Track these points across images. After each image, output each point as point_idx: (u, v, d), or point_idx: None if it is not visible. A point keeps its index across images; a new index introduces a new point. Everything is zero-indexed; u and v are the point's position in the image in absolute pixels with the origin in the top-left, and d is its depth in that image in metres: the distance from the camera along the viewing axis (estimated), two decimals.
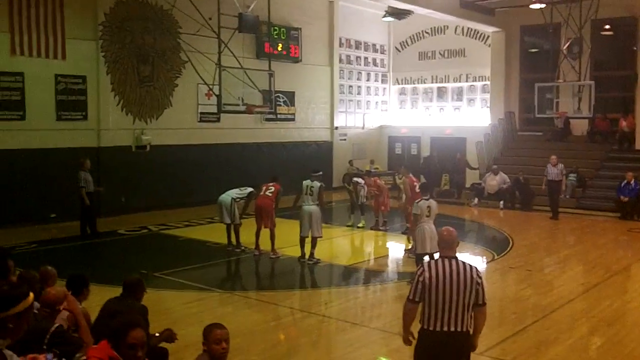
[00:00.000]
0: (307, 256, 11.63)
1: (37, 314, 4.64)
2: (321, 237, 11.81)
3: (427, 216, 9.92)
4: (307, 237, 11.65)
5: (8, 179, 14.73)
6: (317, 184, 11.63)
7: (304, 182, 11.82)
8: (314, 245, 11.67)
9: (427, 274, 4.72)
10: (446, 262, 4.78)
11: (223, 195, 12.73)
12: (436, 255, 5.59)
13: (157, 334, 5.28)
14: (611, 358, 7.06)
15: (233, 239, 12.73)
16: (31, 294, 3.24)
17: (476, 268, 4.87)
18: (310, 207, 11.55)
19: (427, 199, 10.12)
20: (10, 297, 3.15)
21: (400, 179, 14.86)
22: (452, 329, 4.71)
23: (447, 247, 4.91)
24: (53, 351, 4.06)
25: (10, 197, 14.74)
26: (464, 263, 4.83)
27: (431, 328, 4.75)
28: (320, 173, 12.13)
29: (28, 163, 14.99)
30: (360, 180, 15.72)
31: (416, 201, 10.31)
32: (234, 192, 12.76)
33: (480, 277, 4.82)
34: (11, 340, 3.14)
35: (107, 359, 3.69)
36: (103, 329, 4.88)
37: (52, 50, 14.75)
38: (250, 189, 12.82)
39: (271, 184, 12.41)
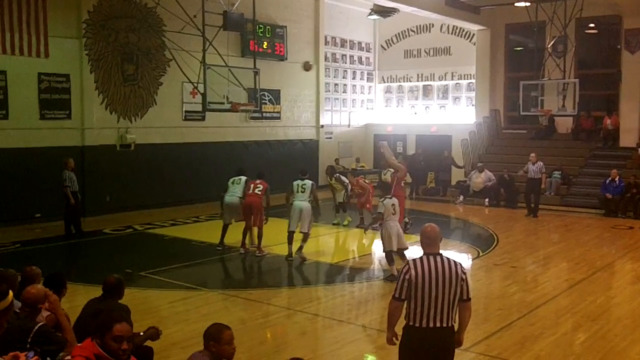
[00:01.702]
0: (294, 254, 11.63)
1: (19, 313, 4.58)
2: (309, 233, 11.84)
3: (393, 214, 10.27)
4: (295, 231, 11.66)
5: None
6: (309, 182, 11.77)
7: (293, 182, 11.82)
8: (304, 239, 11.75)
9: (412, 272, 4.72)
10: (431, 259, 4.79)
11: (228, 197, 12.46)
12: (412, 253, 5.61)
13: (141, 333, 5.24)
14: (595, 353, 7.12)
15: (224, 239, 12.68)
16: (10, 293, 3.19)
17: (460, 264, 4.90)
18: (302, 202, 11.63)
19: (391, 197, 10.53)
20: None
21: (385, 174, 14.75)
22: (438, 324, 4.74)
23: (431, 244, 4.91)
24: (34, 349, 4.01)
25: None
26: (448, 259, 4.86)
27: (417, 324, 4.76)
28: (308, 174, 12.22)
29: (11, 162, 14.82)
30: (344, 179, 15.66)
31: (381, 200, 10.57)
32: (238, 191, 12.43)
33: (465, 273, 4.86)
34: None
35: (92, 357, 3.68)
36: (85, 329, 4.85)
37: (35, 49, 14.60)
38: (244, 177, 12.62)
39: (259, 181, 12.37)
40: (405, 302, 4.82)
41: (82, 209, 14.78)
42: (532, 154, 17.34)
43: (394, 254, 10.23)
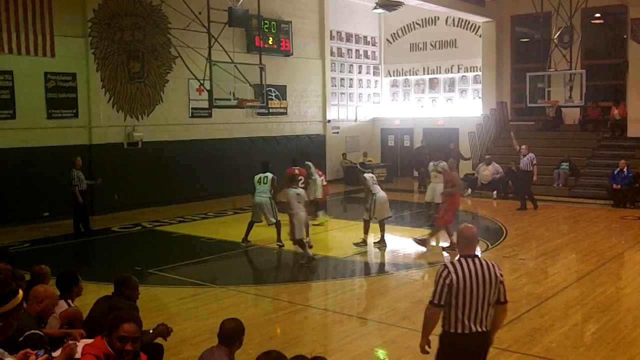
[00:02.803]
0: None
1: (23, 312, 4.59)
2: (278, 221, 12.22)
3: (299, 202, 10.98)
4: (260, 222, 12.00)
5: None
6: (270, 175, 11.98)
7: (255, 176, 11.92)
8: (278, 230, 12.15)
9: (453, 276, 4.55)
10: (469, 261, 4.63)
11: (257, 197, 12.31)
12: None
13: (150, 330, 5.26)
14: (605, 344, 7.10)
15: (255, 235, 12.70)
16: (20, 292, 3.20)
17: (497, 265, 4.77)
18: (262, 198, 11.89)
19: (296, 188, 11.27)
20: None
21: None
22: (477, 329, 4.59)
23: (469, 245, 4.74)
24: (44, 347, 4.03)
25: (2, 197, 14.65)
26: (485, 261, 4.70)
27: (458, 331, 4.59)
28: (269, 167, 12.43)
29: (19, 162, 14.90)
30: (317, 176, 15.26)
31: (285, 190, 11.21)
32: (267, 190, 12.31)
33: (502, 275, 4.72)
34: (1, 339, 3.11)
35: (101, 355, 3.70)
36: (96, 326, 4.87)
37: (41, 48, 14.63)
38: (270, 175, 12.50)
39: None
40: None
41: (90, 207, 14.84)
42: (523, 146, 17.21)
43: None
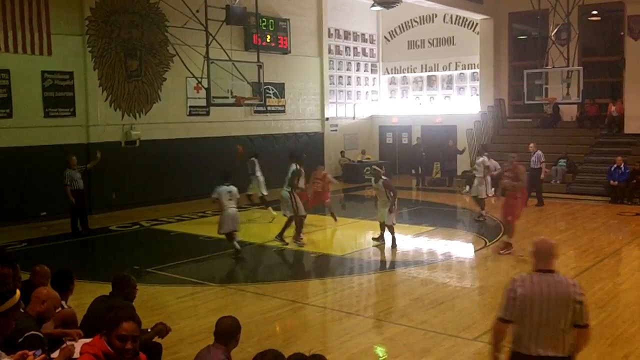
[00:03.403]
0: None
1: (22, 313, 4.59)
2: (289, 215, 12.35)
3: (230, 199, 11.29)
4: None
5: None
6: (234, 188, 11.71)
7: (220, 190, 11.53)
8: (284, 227, 12.40)
9: (520, 290, 4.23)
10: (542, 277, 4.27)
11: (282, 189, 12.58)
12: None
13: (149, 330, 5.26)
14: (604, 340, 7.11)
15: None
16: (17, 292, 3.19)
17: (576, 284, 4.34)
18: (233, 209, 11.55)
19: (228, 185, 11.45)
20: None
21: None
22: (551, 353, 4.19)
23: (543, 259, 4.36)
24: (42, 347, 4.02)
25: None
26: (563, 278, 4.32)
27: (524, 352, 4.23)
28: (230, 179, 12.12)
29: (16, 161, 14.87)
30: (259, 173, 15.67)
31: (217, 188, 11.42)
32: (285, 185, 12.50)
33: (582, 294, 4.27)
34: None
35: (100, 354, 3.69)
36: (94, 326, 4.87)
37: (38, 47, 14.61)
38: (293, 166, 12.51)
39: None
40: (512, 326, 4.34)
41: (88, 206, 14.80)
42: (531, 144, 17.32)
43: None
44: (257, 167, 15.64)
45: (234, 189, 11.50)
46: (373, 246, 12.38)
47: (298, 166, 12.58)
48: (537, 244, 4.43)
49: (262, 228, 14.34)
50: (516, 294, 4.24)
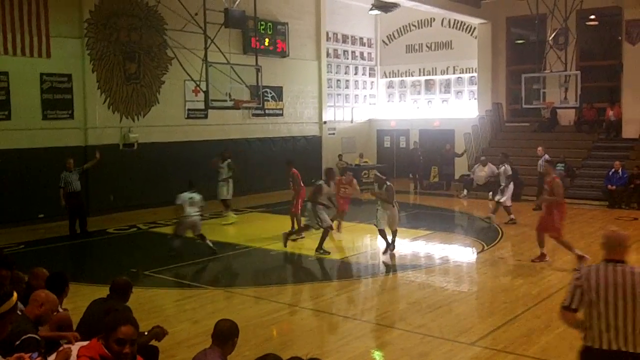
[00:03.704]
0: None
1: (20, 315, 4.58)
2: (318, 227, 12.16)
3: (191, 206, 11.64)
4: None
5: None
6: (197, 196, 11.87)
7: (182, 195, 11.78)
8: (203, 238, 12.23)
9: (584, 280, 4.15)
10: (610, 266, 4.16)
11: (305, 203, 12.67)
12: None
13: (145, 333, 5.25)
14: None
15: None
16: (14, 295, 3.18)
17: None
18: (194, 217, 11.75)
19: (192, 192, 11.80)
20: None
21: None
22: (624, 348, 4.02)
23: (613, 250, 4.24)
24: (39, 350, 4.02)
25: None
26: (633, 269, 4.15)
27: (596, 346, 4.10)
28: (194, 187, 12.25)
29: (14, 163, 14.87)
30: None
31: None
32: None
33: None
34: None
35: (97, 357, 3.69)
36: (90, 329, 4.86)
37: (37, 49, 14.62)
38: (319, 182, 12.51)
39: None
40: (583, 319, 4.24)
41: (86, 208, 14.77)
42: (539, 148, 17.35)
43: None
44: (225, 173, 15.72)
45: (196, 196, 11.72)
46: (383, 254, 12.15)
47: (320, 181, 12.49)
48: (607, 235, 4.34)
49: (258, 232, 14.31)
50: (579, 282, 4.18)
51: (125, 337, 3.70)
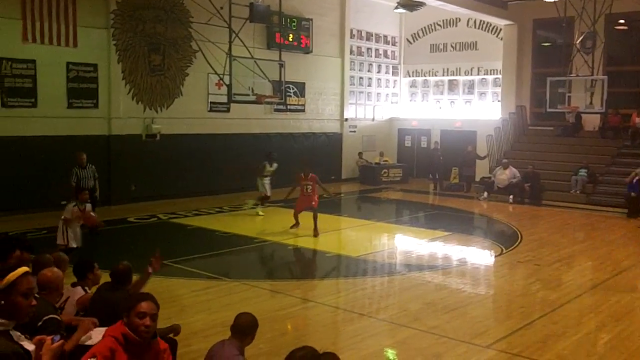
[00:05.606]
0: None
1: (39, 298, 4.63)
2: None
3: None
4: None
5: (20, 166, 14.84)
6: (275, 164, 13.01)
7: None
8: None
9: None
10: None
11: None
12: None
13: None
14: (618, 354, 7.04)
15: None
16: (20, 269, 3.13)
17: None
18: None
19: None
20: None
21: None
22: None
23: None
24: (61, 333, 4.08)
25: (22, 184, 14.84)
26: None
27: None
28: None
29: (39, 150, 15.07)
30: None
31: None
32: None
33: None
34: (17, 321, 3.11)
35: (120, 336, 3.78)
36: (97, 314, 4.94)
37: (64, 38, 14.76)
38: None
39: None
40: None
41: (107, 197, 14.82)
42: None
43: None
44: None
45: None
46: None
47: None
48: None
49: (276, 226, 14.36)
50: None
51: (146, 311, 3.78)
